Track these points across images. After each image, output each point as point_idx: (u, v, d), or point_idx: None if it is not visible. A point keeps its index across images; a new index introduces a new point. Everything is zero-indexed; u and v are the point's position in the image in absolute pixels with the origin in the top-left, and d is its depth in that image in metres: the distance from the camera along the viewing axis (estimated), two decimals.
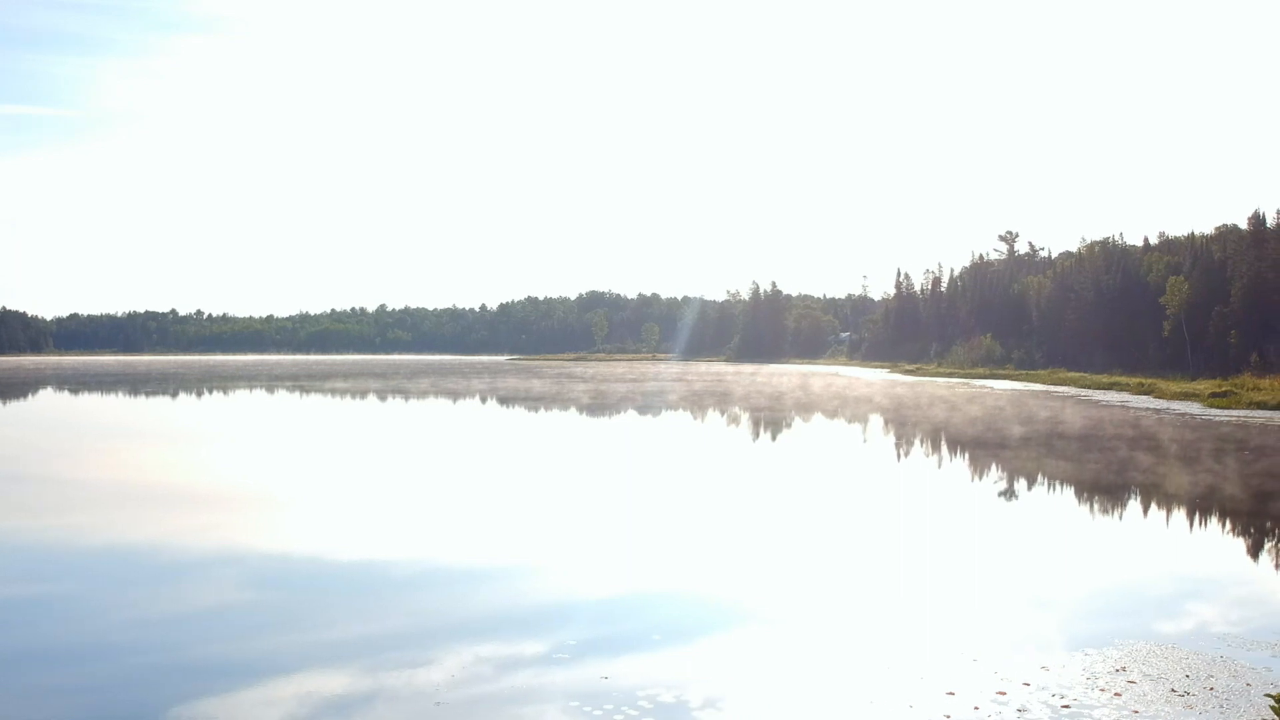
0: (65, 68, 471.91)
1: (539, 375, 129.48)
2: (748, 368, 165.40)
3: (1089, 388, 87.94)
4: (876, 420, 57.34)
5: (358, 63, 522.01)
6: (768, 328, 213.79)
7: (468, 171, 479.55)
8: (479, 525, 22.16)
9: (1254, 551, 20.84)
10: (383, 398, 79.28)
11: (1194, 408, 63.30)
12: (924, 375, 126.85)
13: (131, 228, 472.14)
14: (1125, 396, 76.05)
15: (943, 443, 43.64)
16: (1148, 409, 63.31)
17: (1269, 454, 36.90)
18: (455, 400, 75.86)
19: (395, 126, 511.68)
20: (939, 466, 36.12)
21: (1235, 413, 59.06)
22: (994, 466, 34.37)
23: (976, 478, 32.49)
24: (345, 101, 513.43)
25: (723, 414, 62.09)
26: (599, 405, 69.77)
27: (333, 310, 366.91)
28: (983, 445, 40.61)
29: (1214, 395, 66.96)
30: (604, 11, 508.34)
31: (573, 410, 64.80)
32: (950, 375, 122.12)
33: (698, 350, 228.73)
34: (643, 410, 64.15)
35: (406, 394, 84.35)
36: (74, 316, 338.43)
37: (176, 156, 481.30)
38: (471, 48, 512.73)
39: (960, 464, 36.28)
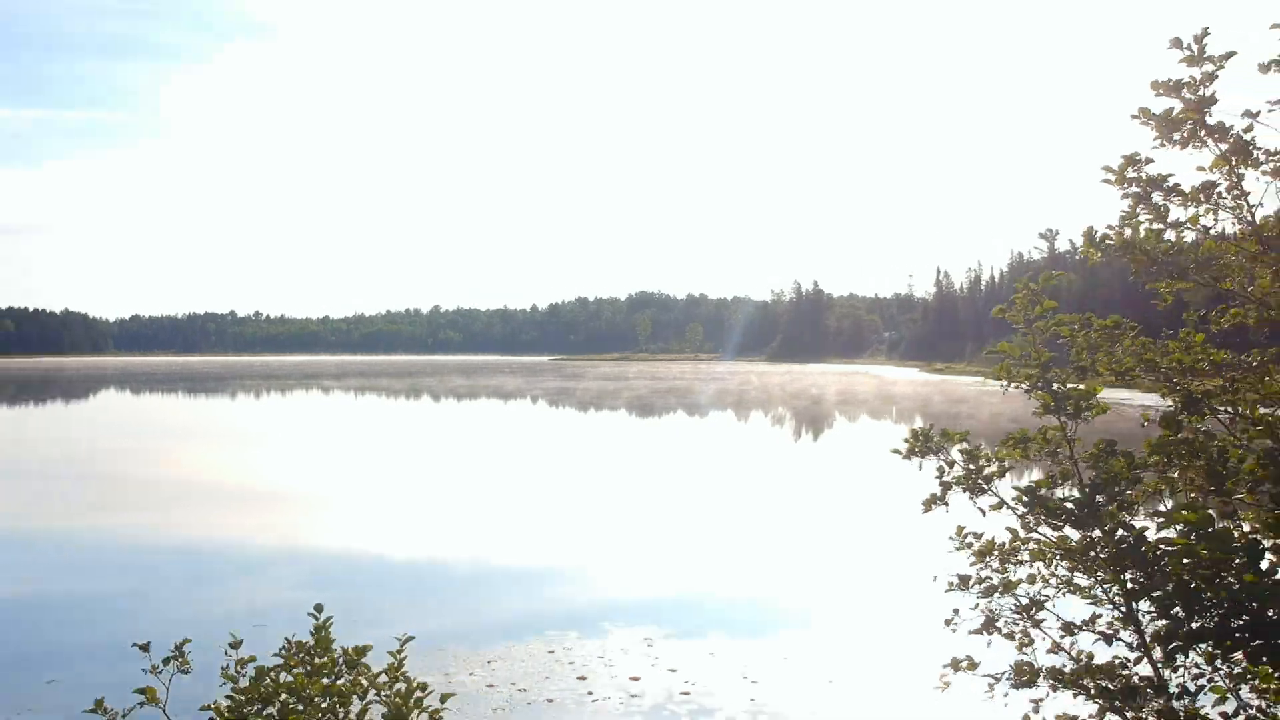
0: (129, 74, 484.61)
1: (546, 374, 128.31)
2: (774, 367, 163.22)
3: None
4: (773, 413, 56.77)
5: (414, 69, 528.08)
6: (808, 327, 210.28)
7: (523, 175, 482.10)
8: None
9: None
10: (376, 394, 79.89)
11: None
12: (948, 374, 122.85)
13: (194, 231, 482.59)
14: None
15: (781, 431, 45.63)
16: None
17: None
18: (416, 396, 76.11)
19: (451, 132, 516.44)
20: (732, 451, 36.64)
21: None
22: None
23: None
24: (403, 108, 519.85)
25: (647, 412, 62.40)
26: (552, 400, 71.80)
27: (388, 311, 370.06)
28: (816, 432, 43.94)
29: None
30: (653, 17, 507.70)
31: (539, 404, 65.68)
32: (977, 374, 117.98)
33: (743, 350, 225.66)
34: (578, 404, 66.23)
35: (388, 391, 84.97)
36: (135, 318, 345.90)
37: (238, 161, 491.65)
38: (526, 55, 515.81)
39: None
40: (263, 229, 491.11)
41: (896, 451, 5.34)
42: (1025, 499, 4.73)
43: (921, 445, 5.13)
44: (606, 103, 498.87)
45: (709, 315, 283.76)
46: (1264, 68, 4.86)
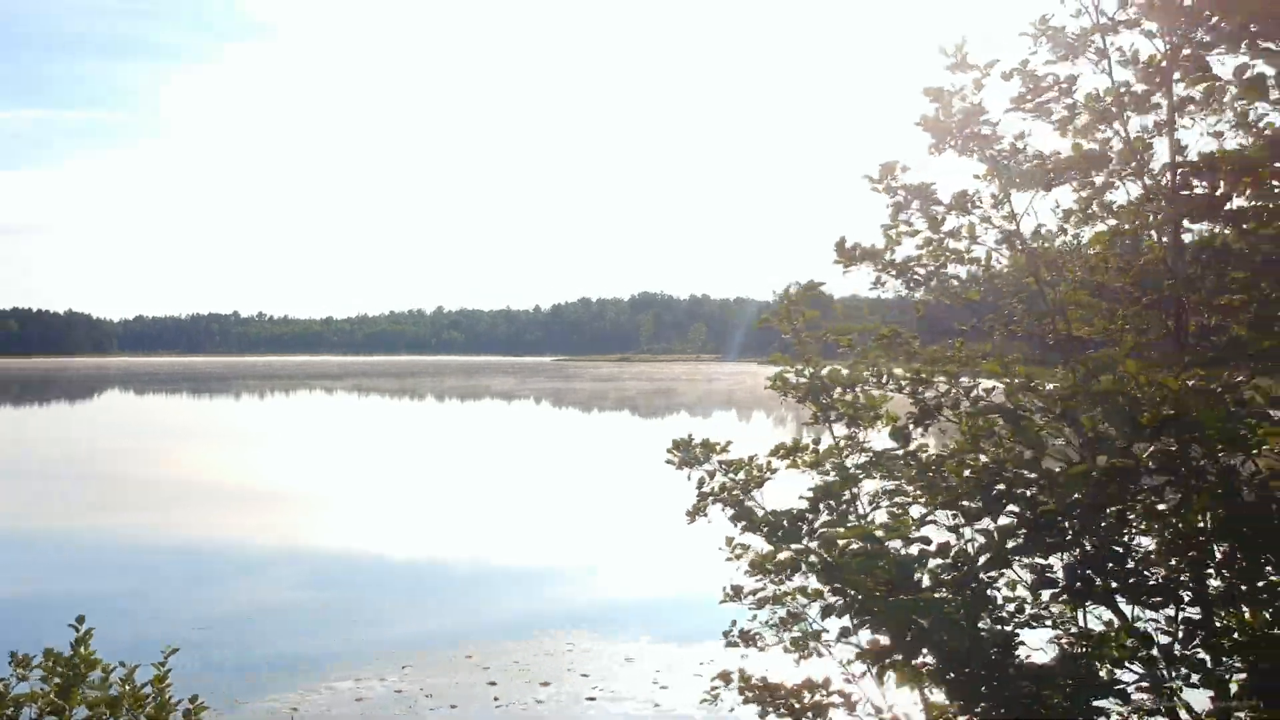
0: (129, 74, 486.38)
1: (542, 376, 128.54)
2: (776, 368, 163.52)
3: None
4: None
5: (415, 69, 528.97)
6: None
7: (526, 175, 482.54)
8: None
9: None
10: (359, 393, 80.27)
11: None
12: None
13: (198, 231, 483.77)
14: None
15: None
16: None
17: None
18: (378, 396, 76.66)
19: (453, 131, 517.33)
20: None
21: None
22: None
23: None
24: (404, 108, 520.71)
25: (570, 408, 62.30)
26: (538, 402, 72.77)
27: (391, 312, 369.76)
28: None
29: None
30: (655, 17, 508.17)
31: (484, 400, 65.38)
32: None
33: (745, 351, 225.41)
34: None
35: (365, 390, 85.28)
36: (140, 318, 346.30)
37: (240, 161, 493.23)
38: (529, 54, 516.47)
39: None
40: (265, 229, 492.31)
41: (670, 461, 5.28)
42: (734, 510, 4.68)
43: (685, 455, 5.07)
44: (609, 102, 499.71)
45: (712, 315, 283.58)
46: (1006, 75, 4.81)
